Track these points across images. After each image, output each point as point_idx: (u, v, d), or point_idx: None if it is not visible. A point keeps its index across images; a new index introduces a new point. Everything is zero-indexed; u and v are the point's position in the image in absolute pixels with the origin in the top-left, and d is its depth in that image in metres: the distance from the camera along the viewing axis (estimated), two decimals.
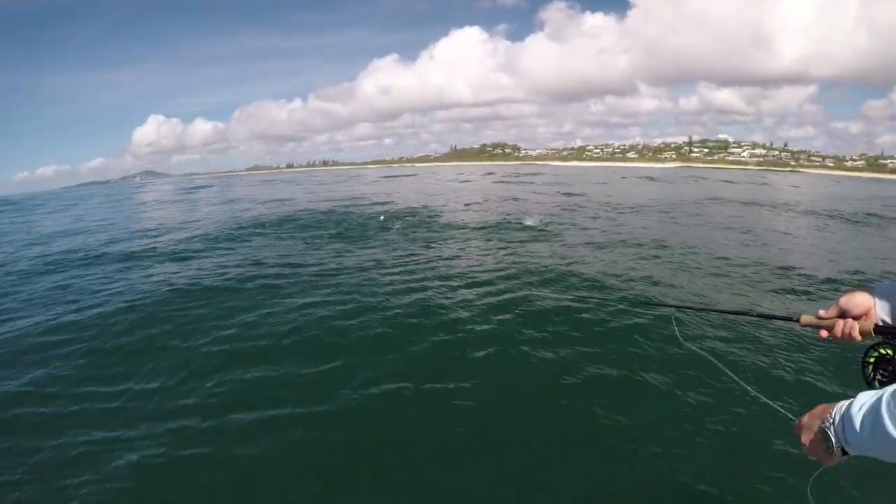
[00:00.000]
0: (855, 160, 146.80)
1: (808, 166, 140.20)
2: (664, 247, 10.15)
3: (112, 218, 20.26)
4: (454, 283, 7.11)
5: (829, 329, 1.24)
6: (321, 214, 15.97)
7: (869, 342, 1.14)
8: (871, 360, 1.10)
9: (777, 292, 7.04)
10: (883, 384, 1.05)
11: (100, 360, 4.97)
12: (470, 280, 7.31)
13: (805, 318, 1.29)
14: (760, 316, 1.58)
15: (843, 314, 1.23)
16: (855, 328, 1.18)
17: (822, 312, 1.27)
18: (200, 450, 3.45)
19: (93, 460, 3.38)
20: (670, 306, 3.33)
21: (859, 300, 1.22)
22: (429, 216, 15.25)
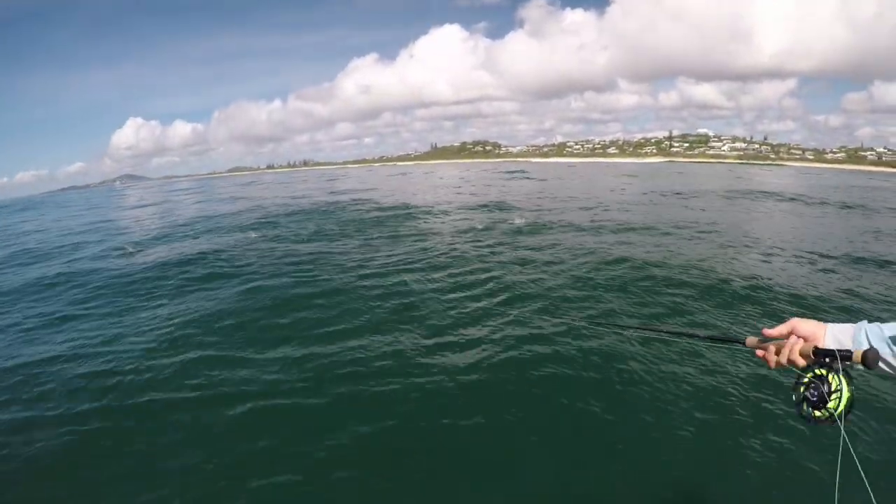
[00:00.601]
0: (835, 152, 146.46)
1: (788, 159, 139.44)
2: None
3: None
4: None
5: (770, 348, 1.24)
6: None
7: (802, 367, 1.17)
8: (805, 380, 1.13)
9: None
10: (812, 404, 1.10)
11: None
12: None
13: (750, 341, 1.31)
14: (706, 339, 1.57)
15: (789, 334, 1.23)
16: (797, 347, 1.17)
17: (767, 330, 1.27)
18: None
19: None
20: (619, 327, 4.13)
21: (811, 327, 1.21)
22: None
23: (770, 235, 11.06)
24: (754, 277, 7.12)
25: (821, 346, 1.15)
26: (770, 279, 7.09)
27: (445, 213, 15.60)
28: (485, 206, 17.00)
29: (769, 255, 8.94)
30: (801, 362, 1.16)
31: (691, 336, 1.96)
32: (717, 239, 10.43)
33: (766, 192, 22.45)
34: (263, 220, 15.13)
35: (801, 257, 8.67)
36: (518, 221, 12.83)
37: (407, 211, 15.98)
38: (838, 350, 1.09)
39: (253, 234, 12.27)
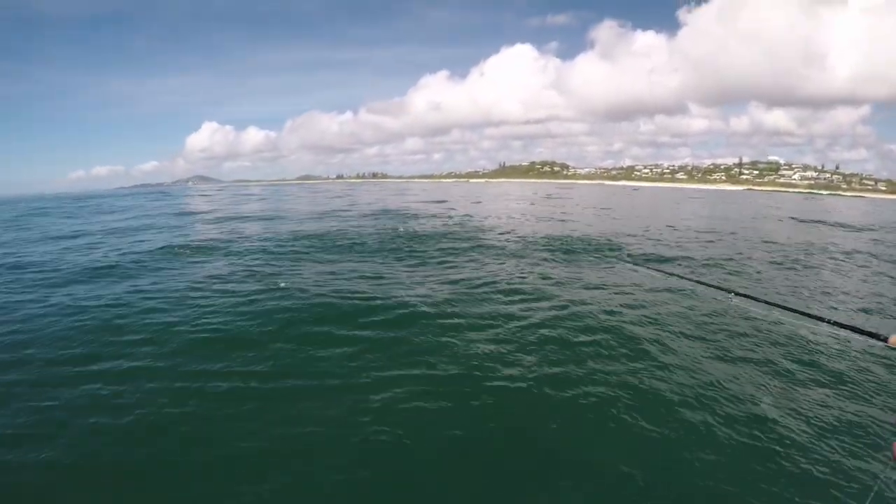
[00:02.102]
0: None
1: (860, 189, 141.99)
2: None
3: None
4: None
5: None
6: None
7: None
8: None
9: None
10: None
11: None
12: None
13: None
14: (841, 326, 1.29)
15: None
16: None
17: None
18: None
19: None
20: (739, 294, 2.77)
21: None
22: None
23: None
24: None
25: None
26: None
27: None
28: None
29: None
30: None
31: (831, 322, 1.56)
32: None
33: None
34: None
35: None
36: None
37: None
38: None
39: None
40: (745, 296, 2.65)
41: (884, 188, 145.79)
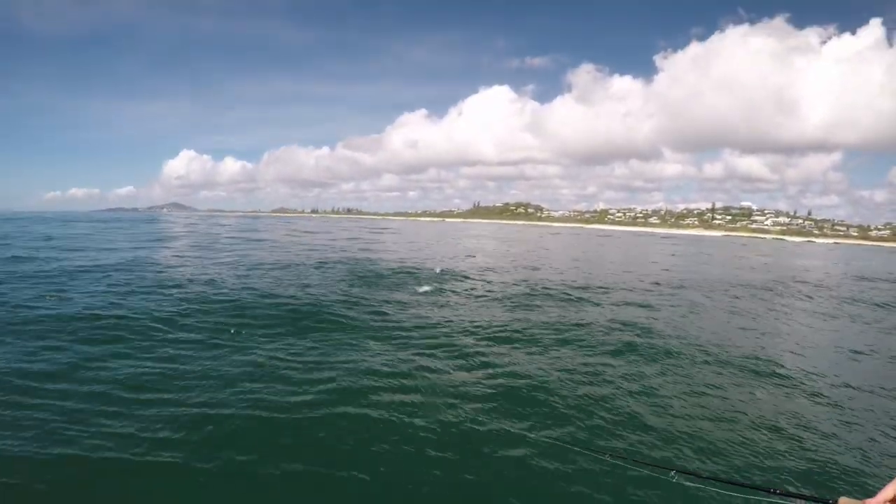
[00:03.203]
0: (880, 229, 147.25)
1: (832, 235, 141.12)
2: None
3: None
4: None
5: None
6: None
7: None
8: None
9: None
10: None
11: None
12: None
13: (845, 503, 1.00)
14: (787, 495, 1.22)
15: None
16: None
17: (869, 501, 0.96)
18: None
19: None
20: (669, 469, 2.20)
21: None
22: None
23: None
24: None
25: None
26: None
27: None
28: None
29: None
30: None
31: (768, 490, 1.38)
32: None
33: None
34: None
35: None
36: None
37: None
38: None
39: None
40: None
41: (855, 234, 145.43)
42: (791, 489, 1.80)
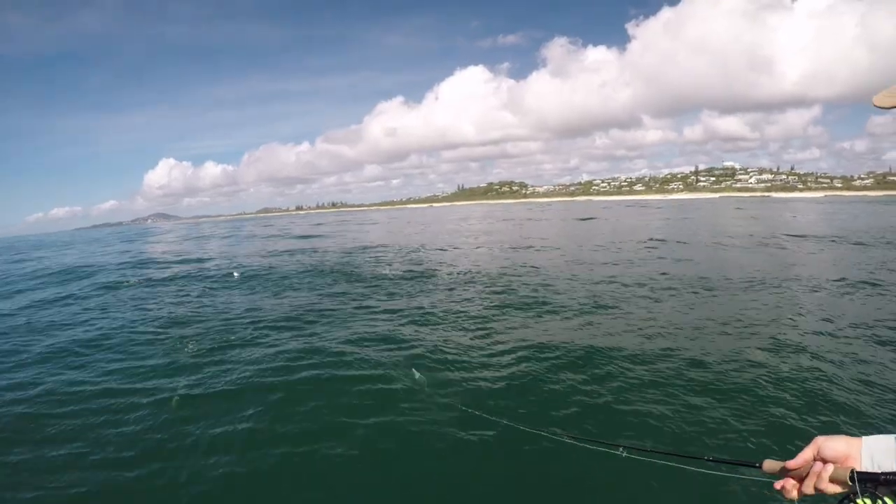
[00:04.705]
0: (863, 178, 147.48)
1: (816, 188, 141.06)
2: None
3: None
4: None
5: (796, 478, 0.99)
6: None
7: (840, 494, 0.94)
8: None
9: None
10: None
11: None
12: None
13: (768, 465, 1.06)
14: (718, 461, 1.32)
15: (816, 458, 0.99)
16: (826, 474, 0.94)
17: (789, 463, 1.00)
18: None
19: None
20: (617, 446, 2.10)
21: (839, 446, 0.97)
22: None
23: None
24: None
25: (860, 468, 0.93)
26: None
27: None
28: None
29: None
30: (833, 490, 0.93)
31: (703, 459, 1.37)
32: None
33: None
34: None
35: None
36: None
37: None
38: (884, 474, 0.89)
39: None
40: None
41: (839, 185, 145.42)
42: (725, 456, 1.47)
